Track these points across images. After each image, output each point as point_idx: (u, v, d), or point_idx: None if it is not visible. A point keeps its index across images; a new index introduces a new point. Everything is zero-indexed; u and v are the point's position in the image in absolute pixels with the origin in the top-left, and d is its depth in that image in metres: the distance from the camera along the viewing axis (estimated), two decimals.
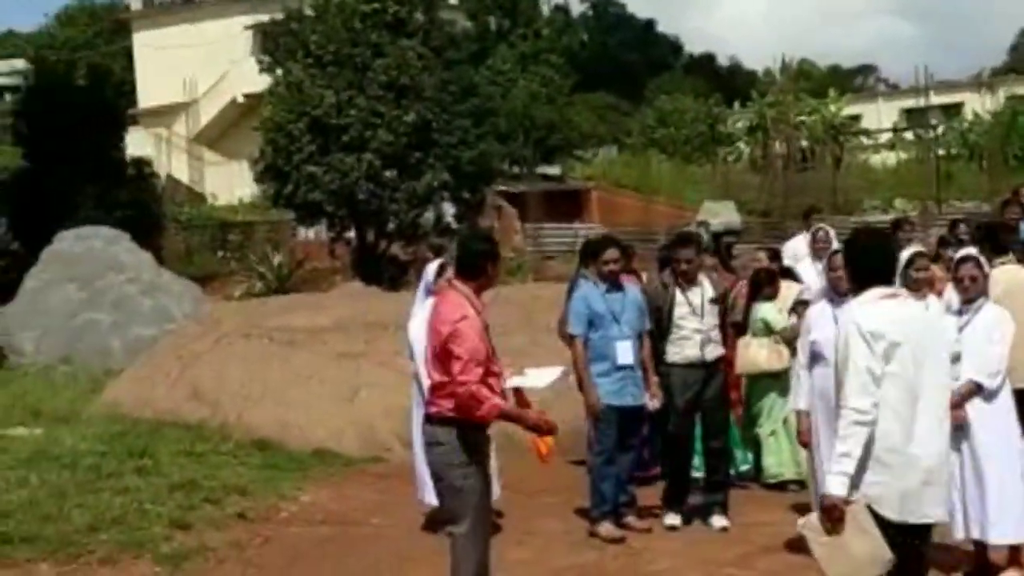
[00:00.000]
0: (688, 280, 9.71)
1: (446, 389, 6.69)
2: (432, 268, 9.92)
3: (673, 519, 9.58)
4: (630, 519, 9.46)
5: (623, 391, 9.35)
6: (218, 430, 11.98)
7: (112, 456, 10.75)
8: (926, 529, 5.65)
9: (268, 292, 23.79)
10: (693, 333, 9.51)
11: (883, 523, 5.50)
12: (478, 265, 6.92)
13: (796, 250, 14.32)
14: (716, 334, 9.62)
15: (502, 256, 9.18)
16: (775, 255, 12.62)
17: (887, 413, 5.49)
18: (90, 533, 9.04)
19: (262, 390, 12.27)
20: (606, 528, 9.31)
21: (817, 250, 12.89)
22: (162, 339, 14.95)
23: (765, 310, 10.36)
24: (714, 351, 9.58)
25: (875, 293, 5.66)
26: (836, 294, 8.19)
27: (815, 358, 7.89)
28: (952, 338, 7.08)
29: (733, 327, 10.88)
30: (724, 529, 9.27)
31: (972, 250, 8.27)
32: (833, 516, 5.49)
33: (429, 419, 6.89)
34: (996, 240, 9.41)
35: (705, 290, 9.69)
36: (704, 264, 10.15)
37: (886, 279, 5.76)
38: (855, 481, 5.48)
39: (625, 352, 9.34)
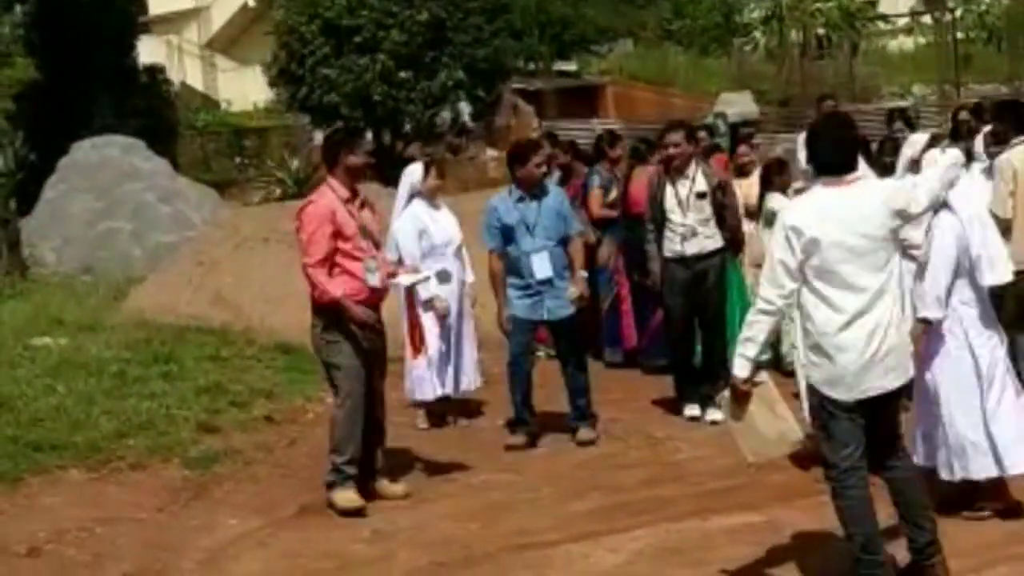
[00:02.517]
0: (677, 170, 9.61)
1: None
2: (417, 169, 9.97)
3: (692, 410, 9.65)
4: (582, 432, 9.20)
5: (538, 306, 9.10)
6: (241, 334, 12.06)
7: (137, 362, 10.85)
8: (887, 398, 5.75)
9: (286, 197, 23.74)
10: (677, 227, 9.47)
11: (841, 406, 5.66)
12: (331, 155, 7.90)
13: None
14: (705, 228, 9.46)
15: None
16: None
17: (818, 303, 5.64)
18: (119, 439, 9.18)
19: (283, 294, 12.30)
20: (513, 437, 9.21)
21: None
22: (182, 246, 15.01)
23: (775, 200, 10.27)
24: (697, 245, 9.46)
25: (821, 182, 5.77)
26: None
27: None
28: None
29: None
30: (714, 423, 8.98)
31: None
32: (737, 396, 5.86)
33: (311, 307, 7.89)
34: (1020, 118, 9.19)
35: (696, 183, 9.58)
36: (695, 153, 9.86)
37: (840, 169, 5.74)
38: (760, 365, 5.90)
39: (542, 265, 9.02)
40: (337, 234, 7.60)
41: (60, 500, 8.20)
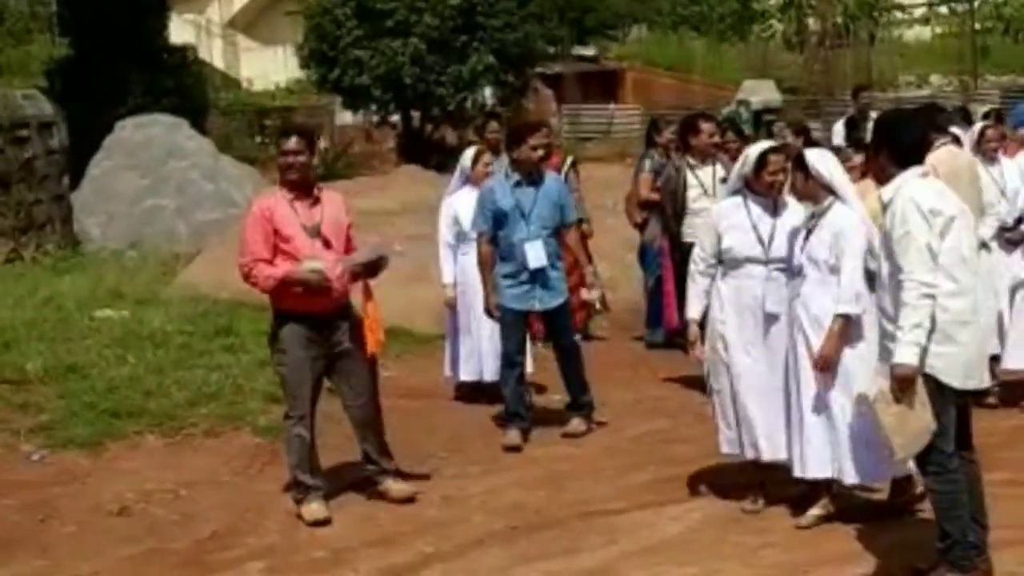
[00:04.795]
0: (702, 159, 10.00)
1: None
2: (469, 154, 10.27)
3: None
4: (573, 423, 9.16)
5: (528, 295, 8.95)
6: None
7: (200, 335, 11.25)
8: (979, 392, 6.14)
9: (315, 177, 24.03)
10: (701, 213, 9.52)
11: (956, 392, 5.85)
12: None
13: (841, 131, 14.60)
14: None
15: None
16: (800, 130, 12.94)
17: (952, 288, 5.79)
18: (190, 407, 9.59)
19: None
20: (508, 436, 8.97)
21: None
22: (230, 223, 15.37)
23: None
24: None
25: (915, 171, 5.96)
26: (754, 192, 7.35)
27: (734, 264, 7.34)
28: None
29: None
30: None
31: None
32: (906, 386, 5.74)
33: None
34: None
35: (717, 170, 10.00)
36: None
37: (923, 156, 6.10)
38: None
39: (536, 254, 8.87)
40: (276, 233, 7.35)
41: (141, 464, 8.64)
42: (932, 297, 5.72)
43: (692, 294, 7.50)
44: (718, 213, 7.47)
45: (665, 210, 10.34)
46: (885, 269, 5.96)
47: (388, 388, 10.46)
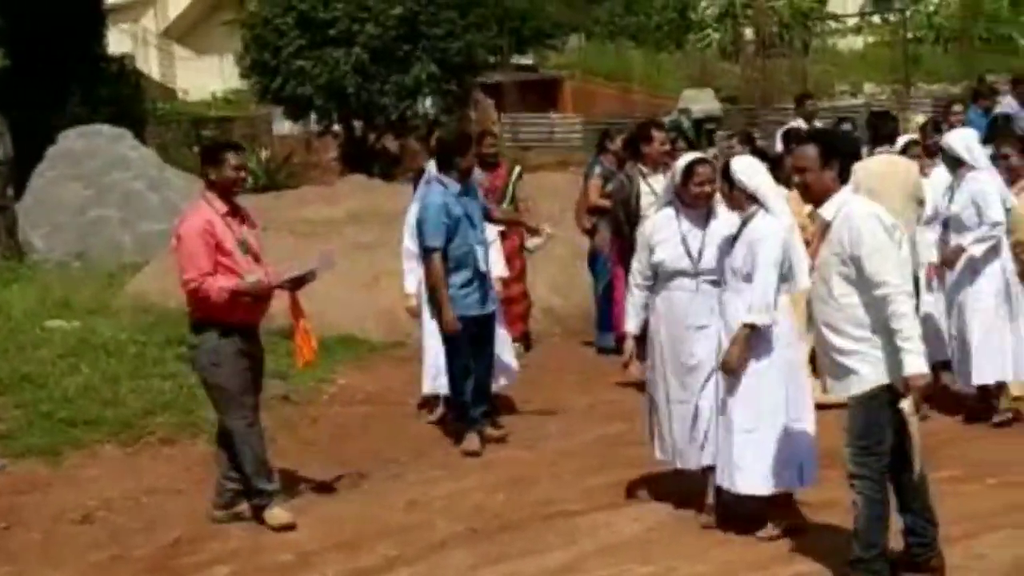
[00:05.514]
0: (654, 167, 10.16)
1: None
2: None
3: None
4: (469, 440, 9.04)
5: (482, 299, 9.01)
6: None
7: (152, 344, 11.21)
8: None
9: (258, 188, 23.98)
10: None
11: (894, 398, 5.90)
12: (206, 172, 7.56)
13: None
14: None
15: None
16: (746, 138, 13.16)
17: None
18: (147, 416, 9.63)
19: None
20: (467, 441, 8.98)
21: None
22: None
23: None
24: None
25: (849, 188, 6.07)
26: (685, 204, 7.32)
27: (666, 277, 7.31)
28: None
29: None
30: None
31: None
32: (925, 392, 5.95)
33: (190, 325, 7.65)
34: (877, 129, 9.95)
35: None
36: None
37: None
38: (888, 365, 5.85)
39: (487, 257, 9.06)
40: (218, 247, 7.31)
41: (101, 472, 8.68)
42: (910, 297, 5.88)
43: (629, 308, 7.50)
44: (651, 226, 7.44)
45: (617, 216, 10.48)
46: (835, 284, 5.97)
47: (346, 395, 10.64)
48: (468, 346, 8.96)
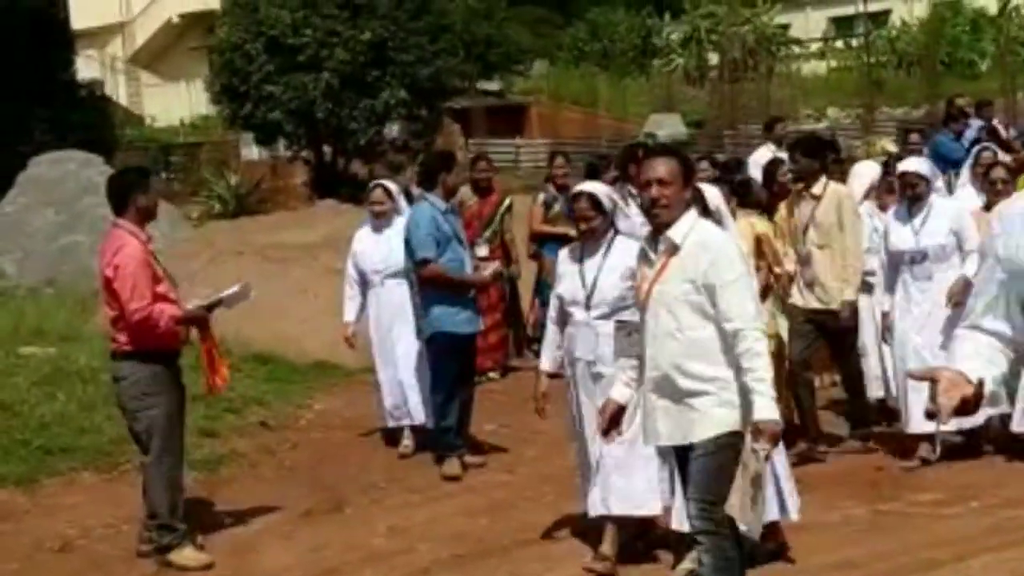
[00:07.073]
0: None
1: (120, 323, 7.30)
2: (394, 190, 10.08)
3: None
4: (448, 465, 8.97)
5: (473, 318, 9.05)
6: (219, 345, 12.39)
7: None
8: None
9: (227, 214, 24.00)
10: None
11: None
12: (120, 197, 7.45)
13: (759, 161, 14.86)
14: None
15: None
16: (715, 163, 13.21)
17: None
18: (124, 443, 9.46)
19: (258, 305, 12.70)
20: (447, 465, 8.93)
21: None
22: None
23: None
24: None
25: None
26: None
27: (568, 311, 6.99)
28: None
29: None
30: None
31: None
32: (775, 440, 5.32)
33: (113, 355, 7.51)
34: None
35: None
36: None
37: None
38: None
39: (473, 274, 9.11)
40: (153, 277, 7.24)
41: (79, 500, 8.64)
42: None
43: (544, 344, 7.18)
44: (559, 259, 7.13)
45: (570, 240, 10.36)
46: (683, 316, 5.42)
47: (322, 421, 10.64)
48: (456, 366, 8.90)
